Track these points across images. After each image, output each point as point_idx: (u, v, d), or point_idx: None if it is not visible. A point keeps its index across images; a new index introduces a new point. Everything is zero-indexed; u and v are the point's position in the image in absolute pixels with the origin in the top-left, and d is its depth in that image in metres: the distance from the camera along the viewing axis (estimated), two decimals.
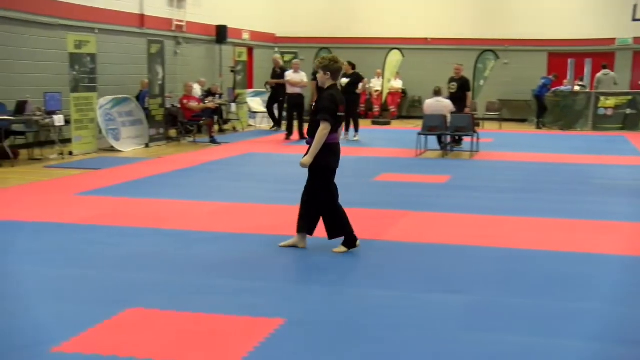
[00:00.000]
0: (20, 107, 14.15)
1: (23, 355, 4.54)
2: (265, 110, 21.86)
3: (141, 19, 20.40)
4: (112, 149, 16.00)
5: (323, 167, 7.06)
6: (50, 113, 14.56)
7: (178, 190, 10.91)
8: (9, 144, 13.93)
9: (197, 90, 19.72)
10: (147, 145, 16.96)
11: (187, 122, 18.20)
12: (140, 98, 18.19)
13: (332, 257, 7.05)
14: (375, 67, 26.53)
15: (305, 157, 6.94)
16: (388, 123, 25.22)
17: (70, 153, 15.00)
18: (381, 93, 26.34)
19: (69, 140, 15.39)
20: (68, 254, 7.12)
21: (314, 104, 7.08)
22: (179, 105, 18.26)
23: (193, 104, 18.07)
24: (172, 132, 18.62)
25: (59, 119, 14.63)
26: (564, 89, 24.25)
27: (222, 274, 6.43)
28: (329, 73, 7.05)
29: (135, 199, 10.06)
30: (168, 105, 18.20)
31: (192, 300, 5.65)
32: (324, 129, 6.90)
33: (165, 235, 7.97)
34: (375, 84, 26.80)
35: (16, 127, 14.48)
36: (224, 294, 5.86)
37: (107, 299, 5.67)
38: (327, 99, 7.02)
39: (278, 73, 21.05)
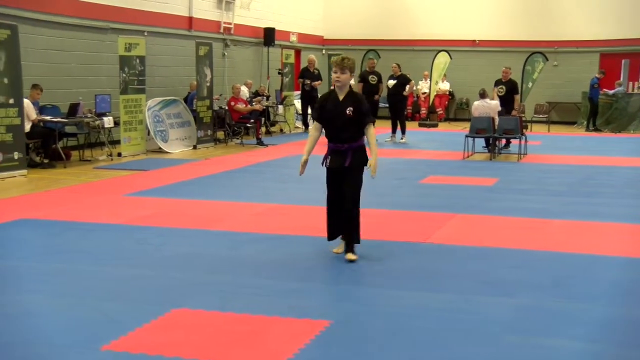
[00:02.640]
0: (73, 109, 14.37)
1: (75, 353, 4.60)
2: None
3: (189, 22, 20.58)
4: (160, 151, 16.16)
5: (364, 164, 7.00)
6: (100, 115, 14.76)
7: (225, 191, 10.98)
8: (61, 145, 14.15)
9: (244, 92, 19.83)
10: (195, 147, 17.10)
11: (235, 123, 18.30)
12: (188, 100, 18.36)
13: (378, 260, 7.03)
14: (422, 69, 26.44)
15: (372, 161, 6.80)
16: (435, 125, 25.11)
17: (119, 154, 15.19)
18: (428, 95, 26.23)
19: (118, 142, 15.60)
20: (117, 254, 7.19)
21: (351, 109, 6.77)
22: (226, 107, 18.37)
23: (240, 106, 18.17)
24: (220, 134, 18.74)
25: (108, 121, 14.82)
26: (614, 91, 23.85)
27: (268, 275, 6.44)
28: (353, 74, 6.95)
29: (183, 200, 10.14)
30: (216, 107, 18.34)
31: (238, 301, 5.67)
32: (374, 129, 6.98)
33: (212, 236, 8.02)
34: (423, 86, 26.71)
35: (68, 129, 14.73)
36: (269, 295, 5.87)
37: (155, 299, 5.72)
38: (366, 101, 7.09)
39: (316, 74, 21.16)
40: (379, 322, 5.27)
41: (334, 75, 6.82)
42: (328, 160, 6.99)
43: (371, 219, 8.97)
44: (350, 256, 6.91)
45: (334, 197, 7.04)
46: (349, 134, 6.83)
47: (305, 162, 7.03)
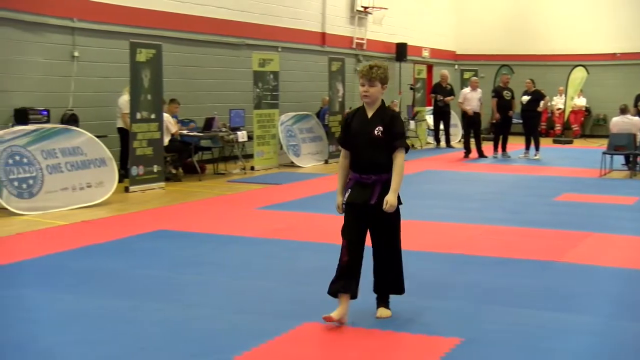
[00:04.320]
0: (208, 123, 14.80)
1: None
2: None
3: (322, 37, 20.83)
4: (292, 165, 16.40)
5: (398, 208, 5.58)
6: (235, 129, 15.12)
7: None
8: (196, 159, 14.59)
9: None
10: (326, 162, 17.26)
11: None
12: (320, 115, 18.57)
13: (511, 278, 6.88)
14: (557, 84, 25.78)
15: (390, 196, 5.39)
16: (570, 142, 24.44)
17: (252, 168, 15.51)
18: (563, 111, 25.57)
19: (251, 156, 15.93)
20: (249, 266, 7.32)
21: (380, 129, 5.40)
22: None
23: None
24: None
25: (242, 135, 15.16)
26: None
27: None
28: (386, 86, 5.58)
29: (314, 214, 10.24)
30: None
31: (368, 316, 5.66)
32: (403, 156, 5.49)
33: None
34: (557, 102, 26.05)
35: (203, 143, 15.16)
36: (399, 311, 5.83)
37: (286, 312, 5.78)
38: (401, 121, 5.73)
39: (448, 89, 21.12)
40: (511, 341, 5.15)
41: (361, 89, 5.48)
42: (347, 194, 5.59)
43: (502, 236, 8.83)
44: (383, 312, 5.64)
45: (355, 243, 5.58)
46: (378, 161, 5.44)
47: (342, 204, 5.67)
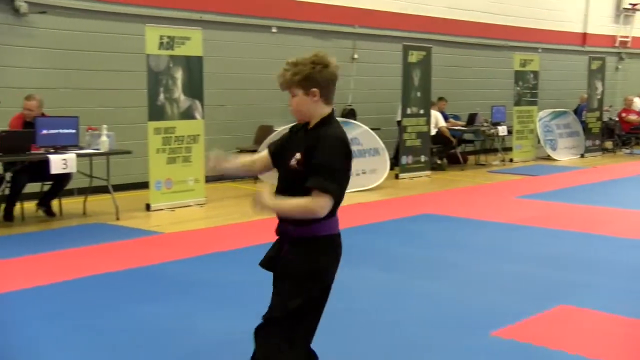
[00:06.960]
0: (471, 118, 14.74)
1: (468, 335, 4.68)
2: None
3: (583, 38, 19.92)
4: (548, 158, 15.89)
5: (313, 275, 3.10)
6: (495, 124, 14.95)
7: (610, 198, 10.46)
8: (460, 150, 14.57)
9: (637, 103, 18.72)
10: (582, 156, 16.54)
11: (625, 134, 17.38)
12: (578, 111, 17.82)
13: None
14: None
15: (265, 196, 2.95)
16: None
17: (511, 160, 15.25)
18: None
19: (509, 149, 15.64)
20: (508, 250, 7.16)
21: (297, 157, 3.02)
22: (616, 119, 17.51)
23: (632, 117, 17.20)
24: (608, 144, 17.92)
25: (502, 130, 14.97)
26: None
27: None
28: (317, 90, 3.08)
29: (569, 204, 9.85)
30: (605, 119, 17.57)
31: (622, 303, 5.34)
32: (320, 205, 2.92)
33: (595, 239, 7.68)
34: None
35: (467, 136, 15.11)
36: None
37: (540, 294, 5.61)
38: (337, 147, 3.05)
39: None
40: None
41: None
42: None
43: None
44: None
45: None
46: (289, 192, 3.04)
47: (221, 158, 3.28)
